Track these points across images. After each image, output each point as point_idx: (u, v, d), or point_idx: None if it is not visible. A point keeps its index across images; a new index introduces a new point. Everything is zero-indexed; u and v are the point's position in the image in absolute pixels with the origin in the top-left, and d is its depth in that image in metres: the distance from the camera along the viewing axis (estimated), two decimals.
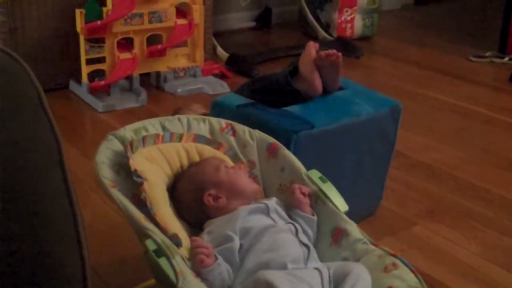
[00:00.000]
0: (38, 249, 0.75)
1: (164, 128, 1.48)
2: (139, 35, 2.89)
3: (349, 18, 3.92)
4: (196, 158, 1.45)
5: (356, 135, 1.67)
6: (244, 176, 1.38)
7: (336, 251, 1.32)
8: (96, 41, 2.81)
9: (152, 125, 1.47)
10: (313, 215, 1.33)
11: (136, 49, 2.89)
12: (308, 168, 1.44)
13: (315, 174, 1.41)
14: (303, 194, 1.34)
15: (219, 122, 1.52)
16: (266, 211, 1.31)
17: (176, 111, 2.18)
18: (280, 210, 1.33)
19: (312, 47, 1.72)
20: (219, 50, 3.50)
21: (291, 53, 3.47)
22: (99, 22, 2.70)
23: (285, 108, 1.63)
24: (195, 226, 1.35)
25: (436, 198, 2.05)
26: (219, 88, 3.04)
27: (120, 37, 2.84)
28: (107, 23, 2.73)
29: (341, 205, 1.36)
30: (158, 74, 3.07)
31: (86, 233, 0.84)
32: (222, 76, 3.21)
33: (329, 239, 1.33)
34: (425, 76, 3.38)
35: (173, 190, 1.38)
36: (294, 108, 1.65)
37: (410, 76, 3.39)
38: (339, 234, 1.33)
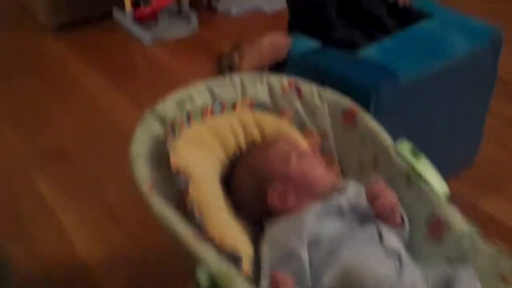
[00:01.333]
0: None
1: (212, 94, 1.19)
2: None
3: None
4: (256, 134, 1.16)
5: (450, 80, 1.33)
6: (320, 166, 1.09)
7: (434, 247, 1.03)
8: None
9: (198, 93, 1.19)
10: (403, 222, 1.03)
11: None
12: (391, 127, 1.14)
13: (405, 147, 1.11)
14: (389, 206, 1.00)
15: (280, 81, 1.22)
16: (340, 212, 1.02)
17: (235, 47, 1.87)
18: (358, 205, 1.03)
19: None
20: None
21: None
22: None
23: (358, 51, 1.30)
24: (254, 223, 1.09)
25: None
26: (278, 2, 2.67)
27: None
28: None
29: (440, 187, 1.07)
30: None
31: None
32: None
33: (423, 230, 1.05)
34: None
35: (229, 178, 1.11)
36: (368, 50, 1.31)
37: None
38: (438, 226, 1.04)
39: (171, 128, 1.08)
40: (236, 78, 1.22)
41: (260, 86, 1.22)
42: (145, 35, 2.46)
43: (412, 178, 1.08)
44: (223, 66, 1.79)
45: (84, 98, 2.12)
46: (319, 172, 1.08)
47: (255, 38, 1.88)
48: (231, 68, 1.79)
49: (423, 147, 1.11)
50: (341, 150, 1.18)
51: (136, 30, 2.52)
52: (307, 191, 1.05)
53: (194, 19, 2.55)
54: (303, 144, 1.16)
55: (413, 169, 1.08)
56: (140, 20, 2.54)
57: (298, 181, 1.05)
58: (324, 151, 1.17)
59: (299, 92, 1.21)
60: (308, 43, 1.37)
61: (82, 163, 1.77)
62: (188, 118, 1.13)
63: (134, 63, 2.43)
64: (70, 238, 1.50)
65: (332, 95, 1.19)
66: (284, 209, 1.05)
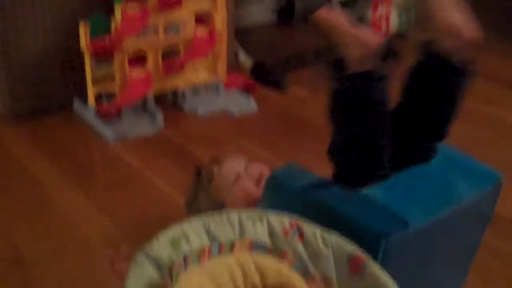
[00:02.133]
0: None
1: (209, 233, 1.10)
2: (153, 50, 2.49)
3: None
4: (256, 279, 1.07)
5: (453, 225, 1.29)
6: None
7: None
8: (103, 56, 2.42)
9: (193, 231, 1.09)
10: None
11: (150, 66, 2.50)
12: (394, 274, 1.08)
13: None
14: None
15: (281, 221, 1.15)
16: None
17: (212, 162, 1.80)
18: None
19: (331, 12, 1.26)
20: (242, 57, 3.10)
21: (321, 56, 3.07)
22: (107, 38, 2.30)
23: (365, 192, 1.25)
24: None
25: None
26: (245, 106, 2.65)
27: (131, 52, 2.43)
28: (116, 38, 2.33)
29: None
30: (175, 91, 2.67)
31: None
32: (247, 90, 2.81)
33: None
34: (490, 91, 2.93)
35: None
36: (374, 190, 1.26)
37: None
38: None
39: (170, 277, 0.98)
40: (234, 216, 1.14)
41: (259, 225, 1.14)
42: (108, 132, 2.36)
43: None
44: (202, 179, 1.72)
45: (42, 199, 1.98)
46: None
47: (235, 153, 1.83)
48: (210, 181, 1.72)
49: None
50: None
51: (99, 125, 2.42)
52: None
53: (159, 117, 2.48)
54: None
55: None
56: (103, 115, 2.45)
57: None
58: None
59: (301, 234, 1.14)
60: (310, 175, 1.31)
61: (39, 274, 1.62)
62: (186, 262, 1.03)
63: (96, 162, 2.31)
64: None
65: (337, 240, 1.12)
66: None
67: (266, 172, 1.68)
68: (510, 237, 1.82)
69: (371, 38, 1.23)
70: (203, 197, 1.69)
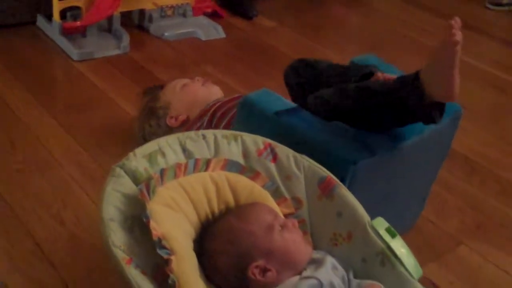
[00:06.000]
0: None
1: (184, 150, 1.12)
2: None
3: None
4: (228, 196, 1.11)
5: (415, 154, 1.34)
6: (300, 239, 1.05)
7: None
8: None
9: (169, 146, 1.11)
10: None
11: None
12: (358, 197, 1.13)
13: (381, 225, 1.10)
14: None
15: (255, 142, 1.17)
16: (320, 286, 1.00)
17: (156, 87, 1.82)
18: (336, 279, 1.01)
19: (457, 29, 1.10)
20: None
21: None
22: None
23: (335, 122, 1.28)
24: None
25: (479, 206, 1.77)
26: (213, 32, 2.62)
27: None
28: None
29: (415, 270, 1.07)
30: (142, 12, 2.62)
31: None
32: (215, 16, 2.78)
33: None
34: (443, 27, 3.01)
35: (201, 247, 1.04)
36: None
37: (424, 24, 3.01)
38: None
39: (146, 188, 1.00)
40: (210, 134, 1.16)
41: (234, 144, 1.16)
42: (73, 50, 2.32)
43: (387, 257, 1.07)
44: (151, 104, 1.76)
45: (6, 115, 1.95)
46: (301, 247, 1.04)
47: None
48: (157, 99, 1.76)
49: (377, 214, 1.11)
50: (315, 220, 1.14)
51: (63, 43, 2.37)
52: (289, 267, 1.02)
53: (126, 38, 2.44)
54: (279, 211, 1.12)
55: (388, 248, 1.07)
56: (68, 32, 2.39)
57: (281, 256, 1.01)
58: (297, 218, 1.13)
59: (274, 156, 1.17)
60: (284, 101, 1.33)
61: (4, 189, 1.62)
62: (162, 176, 1.05)
63: (60, 80, 2.27)
64: None
65: (309, 163, 1.16)
66: (263, 283, 1.01)
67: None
68: (463, 173, 1.90)
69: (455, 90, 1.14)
70: (155, 127, 1.71)
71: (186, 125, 1.66)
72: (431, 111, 1.16)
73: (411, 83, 1.15)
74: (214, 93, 1.77)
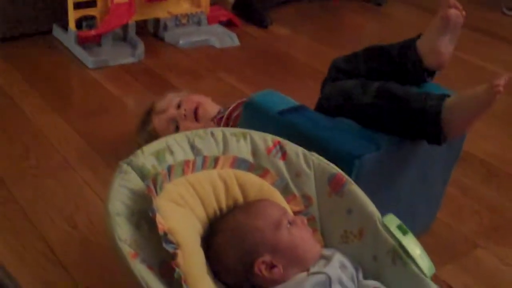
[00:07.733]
0: None
1: (193, 147, 1.12)
2: None
3: None
4: (237, 193, 1.10)
5: (422, 151, 1.33)
6: (308, 236, 1.04)
7: None
8: None
9: (178, 144, 1.11)
10: None
11: None
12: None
13: (392, 222, 1.08)
14: None
15: (265, 140, 1.17)
16: (328, 285, 0.98)
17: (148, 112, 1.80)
18: (345, 277, 1.00)
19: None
20: None
21: None
22: None
23: (340, 118, 1.27)
24: None
25: (496, 209, 1.73)
26: (228, 40, 2.63)
27: None
28: None
29: (427, 267, 1.04)
30: (157, 20, 2.64)
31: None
32: (229, 24, 2.79)
33: None
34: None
35: (210, 243, 1.03)
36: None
37: None
38: None
39: (153, 184, 1.00)
40: (218, 132, 1.15)
41: (243, 142, 1.16)
42: (88, 58, 2.33)
43: (398, 255, 1.05)
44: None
45: (21, 121, 1.96)
46: (309, 244, 1.03)
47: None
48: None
49: (385, 211, 1.09)
50: (325, 217, 1.13)
51: (79, 51, 2.39)
52: (297, 263, 1.00)
53: (140, 46, 2.45)
54: (288, 208, 1.11)
55: (400, 245, 1.05)
56: (83, 41, 2.41)
57: (288, 252, 1.00)
58: (307, 216, 1.12)
59: (283, 153, 1.16)
60: (288, 101, 1.32)
61: (18, 193, 1.63)
62: (170, 172, 1.05)
63: (75, 87, 2.29)
64: None
65: (319, 160, 1.15)
66: (270, 280, 0.99)
67: (203, 100, 1.70)
68: (479, 176, 1.87)
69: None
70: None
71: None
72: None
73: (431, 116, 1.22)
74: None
